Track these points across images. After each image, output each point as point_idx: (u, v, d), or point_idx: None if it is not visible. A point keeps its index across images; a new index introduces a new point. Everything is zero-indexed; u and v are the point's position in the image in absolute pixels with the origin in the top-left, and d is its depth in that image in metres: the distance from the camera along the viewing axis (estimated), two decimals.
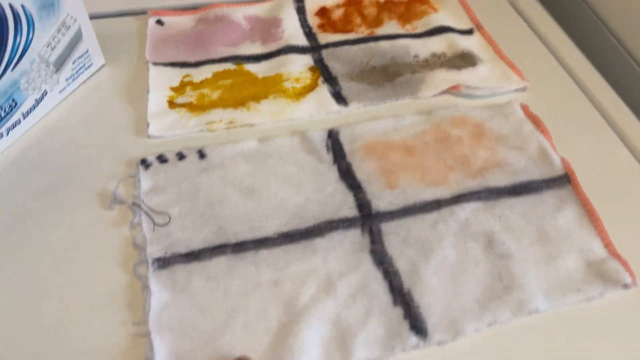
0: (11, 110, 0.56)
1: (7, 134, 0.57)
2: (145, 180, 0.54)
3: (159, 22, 0.73)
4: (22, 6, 0.53)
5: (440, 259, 0.48)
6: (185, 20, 0.73)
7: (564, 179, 0.54)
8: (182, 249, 0.48)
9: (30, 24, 0.54)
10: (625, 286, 0.46)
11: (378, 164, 0.55)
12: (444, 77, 0.63)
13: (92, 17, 0.63)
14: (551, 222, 0.50)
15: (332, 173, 0.55)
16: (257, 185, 0.53)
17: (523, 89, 0.63)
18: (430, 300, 0.45)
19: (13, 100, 0.55)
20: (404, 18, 0.73)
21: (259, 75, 0.66)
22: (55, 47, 0.59)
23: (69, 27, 0.60)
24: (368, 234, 0.50)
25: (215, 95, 0.63)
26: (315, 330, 0.43)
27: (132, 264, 0.48)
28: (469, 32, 0.71)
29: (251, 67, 0.67)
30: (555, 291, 0.46)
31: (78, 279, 0.47)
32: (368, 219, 0.51)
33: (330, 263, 0.47)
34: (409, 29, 0.71)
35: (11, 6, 0.52)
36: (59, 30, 0.58)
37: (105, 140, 0.59)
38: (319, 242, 0.49)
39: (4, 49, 0.53)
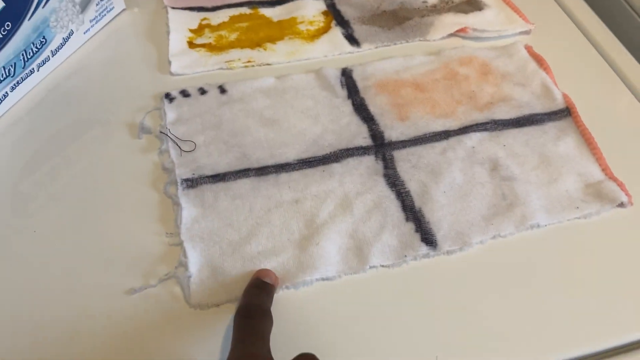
0: (42, 46, 0.59)
1: (38, 69, 0.60)
2: (170, 112, 0.57)
3: None
4: None
5: (449, 181, 0.51)
6: None
7: (565, 112, 0.57)
8: (209, 171, 0.52)
9: None
10: (622, 204, 0.50)
11: (390, 99, 0.59)
12: (451, 21, 0.67)
13: None
14: (552, 149, 0.54)
15: (347, 107, 0.58)
16: (276, 116, 0.57)
17: (527, 32, 0.67)
18: (440, 216, 0.49)
19: (43, 37, 0.59)
20: None
21: (274, 18, 0.69)
22: None
23: None
24: (381, 160, 0.53)
25: (233, 36, 0.66)
26: (335, 241, 0.47)
27: (162, 185, 0.52)
28: None
29: (266, 11, 0.70)
30: (555, 208, 0.50)
31: (112, 199, 0.51)
32: (381, 147, 0.54)
33: (347, 185, 0.51)
34: None
35: None
36: None
37: (130, 78, 0.62)
38: (336, 167, 0.53)
39: None
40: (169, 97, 0.59)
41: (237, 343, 0.38)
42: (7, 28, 0.54)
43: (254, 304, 0.42)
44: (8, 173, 0.53)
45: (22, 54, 0.57)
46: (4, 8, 0.52)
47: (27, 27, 0.56)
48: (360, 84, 0.60)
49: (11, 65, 0.56)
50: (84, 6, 0.63)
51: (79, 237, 0.49)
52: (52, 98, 0.60)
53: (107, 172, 0.53)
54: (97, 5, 0.65)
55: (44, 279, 0.46)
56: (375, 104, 0.58)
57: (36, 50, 0.58)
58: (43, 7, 0.57)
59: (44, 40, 0.59)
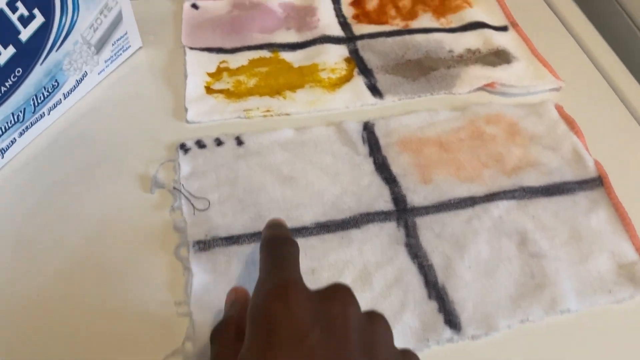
0: (54, 90, 0.57)
1: (49, 113, 0.58)
2: (185, 164, 0.55)
3: (194, 6, 0.74)
4: None
5: (474, 254, 0.49)
6: (220, 5, 0.74)
7: (597, 181, 0.55)
8: (222, 232, 0.50)
9: (76, 5, 0.55)
10: None
11: (413, 158, 0.56)
12: (479, 74, 0.64)
13: None
14: (584, 223, 0.51)
15: (368, 165, 0.56)
16: (294, 173, 0.55)
17: (557, 89, 0.64)
18: (464, 295, 0.46)
19: (56, 80, 0.57)
20: (439, 12, 0.73)
21: (295, 64, 0.66)
22: (97, 28, 0.60)
23: (111, 9, 0.61)
24: (403, 227, 0.51)
25: (251, 82, 0.64)
26: None
27: (172, 246, 0.49)
28: (503, 28, 0.71)
29: (286, 56, 0.67)
30: (586, 291, 0.47)
31: (117, 258, 0.49)
32: (403, 213, 0.52)
33: (367, 254, 0.49)
34: (443, 23, 0.72)
35: None
36: (101, 12, 0.59)
37: (143, 123, 0.60)
38: (355, 233, 0.50)
39: (50, 29, 0.54)
40: (184, 147, 0.57)
41: (270, 269, 0.35)
42: (17, 74, 0.52)
43: (278, 234, 0.40)
44: (12, 217, 0.51)
45: (33, 99, 0.55)
46: (14, 54, 0.50)
47: (38, 72, 0.54)
48: (382, 141, 0.58)
49: (20, 111, 0.54)
50: (100, 47, 0.61)
51: (80, 292, 0.47)
52: (62, 142, 0.58)
53: (114, 226, 0.51)
54: (113, 45, 0.63)
55: (43, 327, 0.44)
56: (398, 164, 0.56)
57: (47, 94, 0.56)
58: (57, 50, 0.55)
59: (56, 83, 0.57)
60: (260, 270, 0.36)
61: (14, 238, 0.50)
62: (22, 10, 0.50)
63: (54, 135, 0.58)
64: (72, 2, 0.55)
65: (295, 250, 0.38)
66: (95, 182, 0.54)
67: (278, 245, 0.38)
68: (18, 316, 0.45)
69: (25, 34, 0.51)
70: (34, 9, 0.51)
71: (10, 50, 0.50)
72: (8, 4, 0.48)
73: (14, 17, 0.49)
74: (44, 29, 0.53)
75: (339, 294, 0.34)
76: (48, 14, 0.53)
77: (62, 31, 0.55)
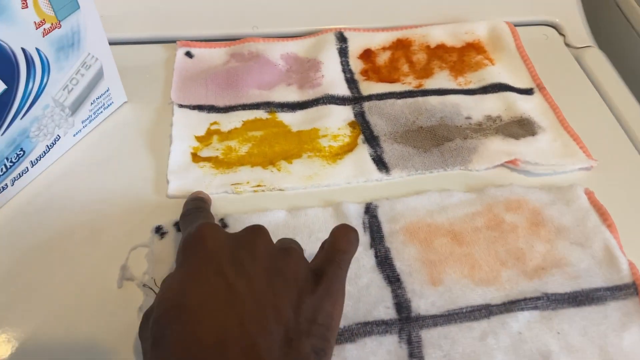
0: (18, 159, 0.51)
1: (12, 184, 0.52)
2: (160, 253, 0.48)
3: (188, 54, 0.68)
4: (37, 49, 0.48)
5: None
6: (217, 54, 0.68)
7: (631, 289, 0.47)
8: None
9: (46, 68, 0.49)
10: None
11: (420, 252, 0.49)
12: (499, 148, 0.57)
13: (115, 43, 0.58)
14: (615, 343, 0.44)
15: (368, 259, 0.49)
16: None
17: (588, 169, 0.57)
18: None
19: (21, 149, 0.51)
20: (457, 69, 0.66)
21: (293, 127, 0.60)
22: (72, 89, 0.54)
23: (90, 66, 0.55)
24: (406, 343, 0.44)
25: (243, 149, 0.57)
26: None
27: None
28: (528, 91, 0.64)
29: (285, 117, 0.61)
30: None
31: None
32: (407, 323, 0.45)
33: None
34: (461, 82, 0.65)
35: (24, 50, 0.47)
36: (77, 72, 0.53)
37: (120, 190, 0.54)
38: (350, 350, 0.43)
39: (14, 96, 0.48)
40: (159, 231, 0.50)
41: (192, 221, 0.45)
42: None
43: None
44: None
45: None
46: None
47: None
48: (385, 227, 0.51)
49: None
50: (76, 108, 0.55)
51: None
52: (25, 216, 0.52)
53: (71, 327, 0.45)
54: (92, 103, 0.57)
55: None
56: (403, 258, 0.49)
57: (10, 165, 0.50)
58: (22, 118, 0.49)
59: (21, 152, 0.51)
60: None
61: None
62: None
63: (18, 207, 0.52)
64: (42, 64, 0.49)
65: (205, 204, 0.48)
66: (62, 260, 0.48)
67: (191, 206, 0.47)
68: None
69: None
70: None
71: None
72: None
73: None
74: (6, 97, 0.47)
75: (252, 229, 0.40)
76: (11, 80, 0.47)
77: (28, 97, 0.49)
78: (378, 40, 0.69)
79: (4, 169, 0.50)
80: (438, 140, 0.59)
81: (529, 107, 0.62)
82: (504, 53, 0.68)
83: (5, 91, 0.47)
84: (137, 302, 0.46)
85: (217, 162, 0.56)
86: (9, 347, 0.43)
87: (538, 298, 0.46)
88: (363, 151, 0.57)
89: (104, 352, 0.43)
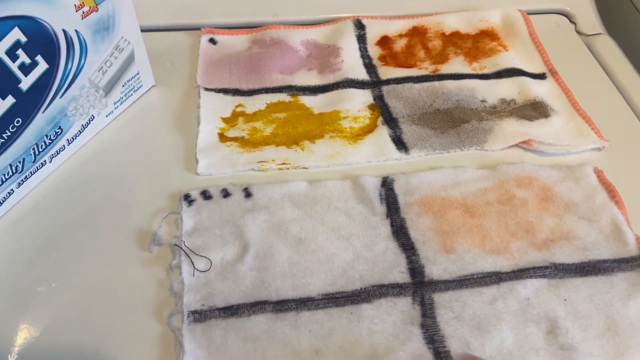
0: (57, 137, 0.55)
1: (50, 160, 0.56)
2: (188, 218, 0.53)
3: (212, 41, 0.72)
4: (76, 31, 0.53)
5: (497, 342, 0.45)
6: (239, 41, 0.72)
7: (638, 261, 0.50)
8: (221, 302, 0.47)
9: (84, 49, 0.54)
10: None
11: (434, 223, 0.53)
12: (514, 129, 0.60)
13: (143, 30, 0.62)
14: (621, 311, 0.47)
15: (384, 228, 0.53)
16: (303, 233, 0.52)
17: (599, 149, 0.60)
18: None
19: (59, 127, 0.55)
20: (472, 55, 0.70)
21: (315, 110, 0.64)
22: (106, 71, 0.58)
23: (122, 49, 0.59)
24: (419, 304, 0.48)
25: (268, 130, 0.61)
26: None
27: (166, 311, 0.47)
28: (541, 76, 0.68)
29: (307, 100, 0.65)
30: None
31: (109, 320, 0.47)
32: (420, 287, 0.49)
33: (377, 335, 0.46)
34: (476, 68, 0.69)
35: (64, 32, 0.51)
36: (111, 54, 0.58)
37: (151, 170, 0.58)
38: (366, 309, 0.47)
39: (55, 76, 0.52)
40: (188, 199, 0.54)
41: None
42: (16, 124, 0.50)
43: None
44: (9, 268, 0.50)
45: (33, 148, 0.53)
46: (13, 104, 0.49)
47: (40, 120, 0.52)
48: (401, 200, 0.55)
49: (19, 162, 0.52)
50: (109, 89, 0.60)
51: (67, 350, 0.45)
52: (63, 190, 0.56)
53: (110, 283, 0.49)
54: (123, 86, 0.62)
55: None
56: (417, 228, 0.53)
57: (49, 142, 0.55)
58: (61, 97, 0.54)
59: (59, 130, 0.55)
60: None
61: (10, 289, 0.49)
62: (23, 58, 0.48)
63: (55, 183, 0.57)
64: (80, 45, 0.54)
65: None
66: (94, 234, 0.53)
67: None
68: None
69: (26, 82, 0.50)
70: (36, 55, 0.50)
71: (9, 100, 0.49)
72: (8, 53, 0.47)
73: (13, 66, 0.48)
74: (48, 76, 0.52)
75: None
76: (52, 59, 0.51)
77: (67, 76, 0.54)
78: (395, 28, 0.73)
79: (44, 146, 0.54)
80: (454, 122, 0.62)
81: (542, 90, 0.65)
82: (517, 39, 0.71)
83: (47, 70, 0.51)
84: (167, 262, 0.50)
85: (243, 142, 0.60)
86: (52, 311, 0.48)
87: (546, 267, 0.50)
88: (383, 132, 0.61)
89: (138, 305, 0.48)
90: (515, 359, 0.44)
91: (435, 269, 0.50)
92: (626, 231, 0.52)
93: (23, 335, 0.46)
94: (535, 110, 0.63)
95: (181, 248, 0.51)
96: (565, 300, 0.48)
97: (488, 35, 0.72)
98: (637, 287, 0.49)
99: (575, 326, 0.46)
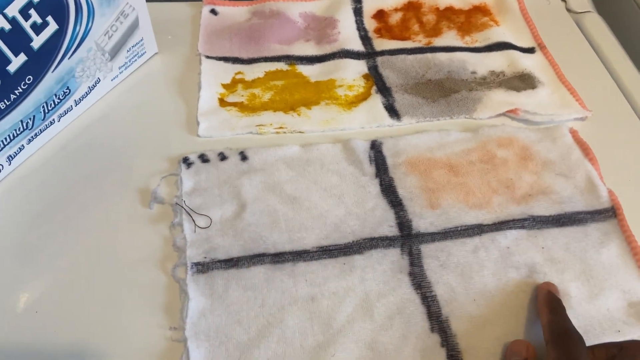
0: (65, 97, 0.59)
1: (59, 120, 0.60)
2: (187, 179, 0.57)
3: (213, 12, 0.75)
4: None
5: (480, 287, 0.49)
6: (239, 12, 0.76)
7: (610, 212, 0.55)
8: (222, 255, 0.51)
9: (91, 12, 0.57)
10: None
11: (420, 181, 0.57)
12: (502, 99, 0.64)
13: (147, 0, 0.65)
14: (594, 257, 0.52)
15: (374, 187, 0.57)
16: (298, 193, 0.56)
17: (583, 119, 0.64)
18: (468, 330, 0.47)
19: (67, 87, 0.59)
20: (464, 29, 0.74)
21: (312, 78, 0.68)
22: (112, 35, 0.62)
23: (127, 15, 0.63)
24: (407, 255, 0.51)
25: (266, 96, 0.65)
26: (352, 353, 0.46)
27: (171, 264, 0.51)
28: (530, 50, 0.71)
29: (304, 69, 0.69)
30: (594, 330, 0.47)
31: (116, 273, 0.50)
32: (408, 239, 0.53)
33: (369, 282, 0.50)
34: (468, 41, 0.72)
35: None
36: (117, 19, 0.61)
37: (154, 133, 0.62)
38: (358, 260, 0.51)
39: (64, 37, 0.56)
40: (187, 161, 0.58)
41: None
42: (27, 82, 0.54)
43: (567, 328, 0.44)
44: (17, 224, 0.54)
45: (43, 106, 0.57)
46: (26, 62, 0.52)
47: (50, 79, 0.56)
48: (389, 161, 0.59)
49: (30, 119, 0.56)
50: (114, 53, 0.63)
51: (77, 304, 0.48)
52: (70, 149, 0.60)
53: (115, 239, 0.53)
54: (128, 51, 0.65)
55: (37, 338, 0.46)
56: (405, 186, 0.56)
57: (58, 101, 0.58)
58: (69, 58, 0.57)
59: (67, 90, 0.59)
60: None
61: (18, 244, 0.52)
62: (35, 17, 0.52)
63: (62, 142, 0.60)
64: (88, 8, 0.57)
65: (584, 346, 0.42)
66: (100, 192, 0.56)
67: (571, 343, 0.42)
68: (15, 324, 0.47)
69: (37, 41, 0.53)
70: (47, 16, 0.53)
71: (22, 57, 0.52)
72: (21, 12, 0.50)
73: (26, 25, 0.51)
74: (57, 37, 0.55)
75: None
76: (62, 21, 0.55)
77: (75, 38, 0.57)
78: (390, 2, 0.77)
79: (53, 105, 0.58)
80: (445, 92, 0.66)
81: (530, 63, 0.69)
82: (509, 15, 0.75)
83: (57, 31, 0.55)
84: (169, 220, 0.54)
85: (243, 107, 0.64)
86: (53, 271, 0.51)
87: (525, 219, 0.54)
88: (376, 100, 0.65)
89: (144, 259, 0.52)
90: (497, 301, 0.48)
91: (422, 223, 0.54)
92: (599, 185, 0.56)
93: (29, 288, 0.49)
94: (523, 81, 0.67)
95: (182, 207, 0.54)
96: (543, 248, 0.52)
97: (480, 10, 0.76)
98: (609, 236, 0.53)
99: (552, 270, 0.50)
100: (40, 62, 0.54)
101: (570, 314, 0.47)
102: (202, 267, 0.50)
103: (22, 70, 0.53)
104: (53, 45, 0.55)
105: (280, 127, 0.62)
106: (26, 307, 0.48)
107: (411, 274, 0.50)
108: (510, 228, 0.53)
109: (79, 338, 0.46)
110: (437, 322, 0.48)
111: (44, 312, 0.48)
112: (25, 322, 0.47)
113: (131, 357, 0.46)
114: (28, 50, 0.52)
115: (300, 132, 0.62)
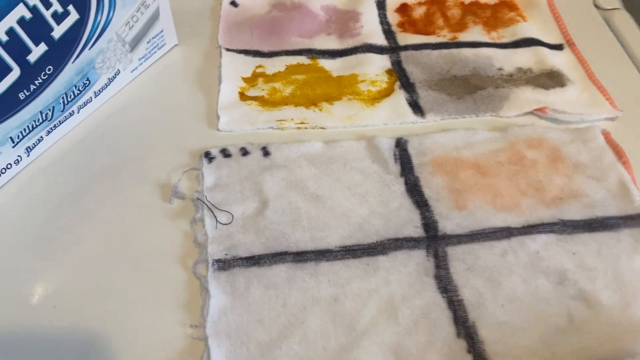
0: (85, 88, 0.58)
1: (78, 111, 0.59)
2: (209, 174, 0.55)
3: (233, 4, 0.74)
4: None
5: (508, 292, 0.48)
6: (260, 4, 0.75)
7: None
8: (243, 252, 0.50)
9: (113, 3, 0.56)
10: None
11: (447, 181, 0.56)
12: (529, 97, 0.63)
13: None
14: (627, 264, 0.50)
15: (399, 186, 0.55)
16: (320, 191, 0.54)
17: (612, 119, 0.62)
18: (496, 337, 0.46)
19: (87, 79, 0.58)
20: (490, 24, 0.72)
21: (334, 73, 0.66)
22: (133, 26, 0.60)
23: (148, 6, 0.61)
24: (433, 257, 0.50)
25: (287, 90, 0.64)
26: (374, 356, 0.44)
27: (191, 261, 0.50)
28: (558, 47, 0.70)
29: (326, 63, 0.67)
30: (625, 339, 0.46)
31: (135, 268, 0.50)
32: (434, 240, 0.51)
33: (393, 285, 0.48)
34: (494, 37, 0.71)
35: None
36: (138, 9, 0.60)
37: (173, 126, 0.61)
38: (382, 261, 0.50)
39: (85, 27, 0.55)
40: (208, 156, 0.57)
41: None
42: (48, 72, 0.53)
43: None
44: (35, 215, 0.53)
45: (63, 97, 0.56)
46: (46, 52, 0.52)
47: (70, 70, 0.55)
48: (415, 160, 0.57)
49: (49, 109, 0.55)
50: (134, 45, 0.62)
51: (95, 299, 0.48)
52: (89, 141, 0.59)
53: (134, 233, 0.52)
54: (148, 43, 0.64)
55: (52, 330, 0.46)
56: (431, 186, 0.55)
57: (78, 92, 0.57)
58: (90, 48, 0.56)
59: (87, 82, 0.58)
60: None
61: (35, 236, 0.52)
62: (56, 6, 0.51)
63: (81, 134, 0.60)
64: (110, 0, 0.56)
65: None
66: (119, 186, 0.55)
67: None
68: (32, 317, 0.46)
69: (58, 31, 0.52)
70: (68, 5, 0.52)
71: (42, 47, 0.51)
72: (42, 0, 0.49)
73: (47, 14, 0.50)
74: (78, 26, 0.54)
75: None
76: (83, 10, 0.54)
77: (96, 29, 0.56)
78: None
79: (72, 96, 0.57)
80: (471, 89, 0.64)
81: (559, 61, 0.68)
82: (536, 10, 0.73)
83: (78, 21, 0.54)
84: (190, 215, 0.53)
85: (263, 101, 0.63)
86: (71, 264, 0.50)
87: (555, 223, 0.52)
88: (400, 96, 0.64)
89: (164, 254, 0.51)
90: (526, 308, 0.47)
91: (448, 224, 0.52)
92: (632, 189, 0.55)
93: (46, 279, 0.49)
94: (552, 79, 0.65)
95: (203, 202, 0.53)
96: (574, 254, 0.50)
97: (507, 5, 0.74)
98: None
99: (583, 277, 0.49)
100: (61, 52, 0.53)
101: (601, 323, 0.46)
102: (224, 265, 0.49)
103: (43, 60, 0.52)
104: (74, 35, 0.54)
105: (302, 123, 0.61)
106: (44, 301, 0.48)
107: (437, 277, 0.49)
108: (540, 232, 0.52)
109: (96, 332, 0.46)
110: (464, 327, 0.46)
111: (62, 305, 0.47)
112: (43, 315, 0.47)
113: (150, 354, 0.45)
114: (49, 40, 0.52)
115: (322, 127, 0.61)
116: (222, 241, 0.51)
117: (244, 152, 0.57)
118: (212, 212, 0.53)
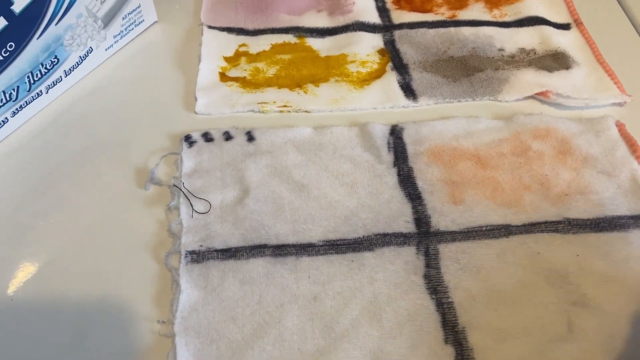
0: (52, 66, 0.54)
1: (47, 91, 0.55)
2: (188, 159, 0.52)
3: None
4: None
5: (504, 297, 0.44)
6: None
7: None
8: (219, 244, 0.46)
9: None
10: None
11: (443, 173, 0.52)
12: (531, 80, 0.58)
13: None
14: (636, 268, 0.46)
15: (391, 177, 0.51)
16: (306, 179, 0.51)
17: (621, 104, 0.58)
18: (487, 344, 0.42)
19: (55, 56, 0.54)
20: (493, 2, 0.68)
21: (322, 53, 0.62)
22: (105, 0, 0.56)
23: None
24: (424, 255, 0.46)
25: (271, 71, 0.60)
26: None
27: (164, 252, 0.47)
28: (565, 26, 0.65)
29: (314, 43, 0.63)
30: (629, 355, 0.42)
31: (106, 257, 0.47)
32: (425, 237, 0.48)
33: (378, 284, 0.45)
34: (496, 15, 0.66)
35: None
36: None
37: (150, 108, 0.57)
38: (368, 257, 0.46)
39: (49, 0, 0.51)
40: (189, 140, 0.53)
41: None
42: (9, 49, 0.49)
43: None
44: (7, 201, 0.50)
45: (28, 76, 0.52)
46: (6, 27, 0.48)
47: (34, 47, 0.51)
48: (410, 149, 0.53)
49: (13, 89, 0.51)
50: (109, 20, 0.58)
51: (65, 287, 0.45)
52: (60, 123, 0.56)
53: (108, 220, 0.49)
54: (123, 19, 0.60)
55: (20, 323, 0.43)
56: (425, 178, 0.51)
57: (45, 71, 0.53)
58: (56, 24, 0.52)
59: (55, 60, 0.54)
60: None
61: (9, 223, 0.49)
62: None
63: (52, 116, 0.56)
64: None
65: None
66: (92, 171, 0.52)
67: None
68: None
69: (19, 4, 0.48)
70: None
71: (1, 22, 0.47)
72: None
73: None
74: (41, 1, 0.50)
75: None
76: None
77: (62, 2, 0.52)
78: None
79: (39, 75, 0.53)
80: (468, 71, 0.60)
81: (565, 41, 0.63)
82: None
83: None
84: (166, 203, 0.50)
85: (245, 82, 0.59)
86: (50, 246, 0.47)
87: (559, 222, 0.48)
88: (391, 78, 0.60)
89: (136, 243, 0.47)
90: (523, 314, 0.43)
91: (442, 220, 0.49)
92: None
93: (21, 269, 0.46)
94: (556, 61, 0.61)
95: (180, 189, 0.50)
96: (578, 255, 0.47)
97: None
98: None
99: (588, 282, 0.45)
100: (23, 27, 0.49)
101: (603, 332, 0.42)
102: (197, 257, 0.46)
103: (2, 36, 0.48)
104: (37, 9, 0.50)
105: (285, 106, 0.57)
106: (18, 287, 0.45)
107: (426, 277, 0.45)
108: (542, 231, 0.48)
109: (65, 322, 0.43)
110: (452, 332, 0.43)
111: (30, 289, 0.45)
112: (16, 305, 0.44)
113: (115, 349, 0.42)
114: (8, 14, 0.48)
115: (306, 111, 0.57)
116: (197, 231, 0.47)
117: (228, 136, 0.54)
118: (189, 199, 0.49)
